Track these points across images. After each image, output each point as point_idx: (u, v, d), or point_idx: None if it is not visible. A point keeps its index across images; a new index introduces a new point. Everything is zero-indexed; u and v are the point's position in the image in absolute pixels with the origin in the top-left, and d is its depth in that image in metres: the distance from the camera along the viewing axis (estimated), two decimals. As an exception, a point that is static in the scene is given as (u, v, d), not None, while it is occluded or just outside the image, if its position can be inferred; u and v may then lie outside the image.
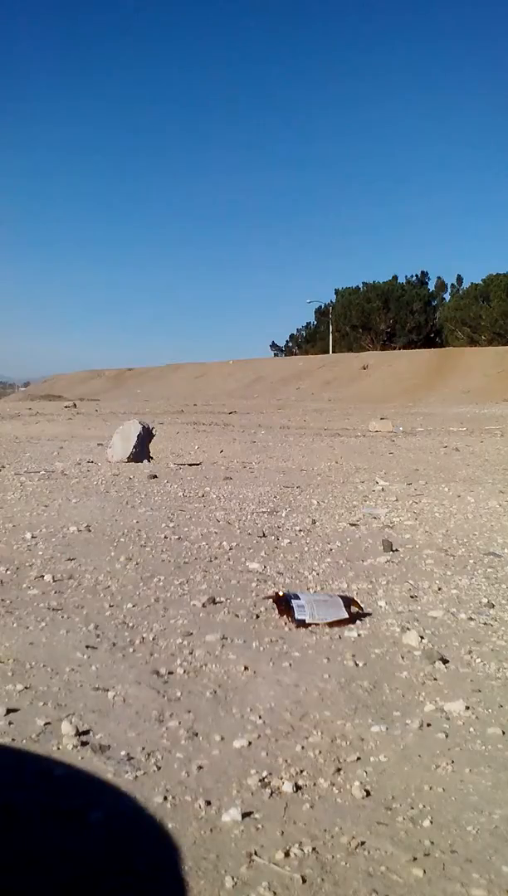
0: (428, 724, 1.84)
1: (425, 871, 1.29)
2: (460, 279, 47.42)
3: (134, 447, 7.29)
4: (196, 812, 1.46)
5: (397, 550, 3.66)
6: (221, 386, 38.95)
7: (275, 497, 5.30)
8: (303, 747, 1.72)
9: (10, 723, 1.80)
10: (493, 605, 2.79)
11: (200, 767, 1.62)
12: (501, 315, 39.45)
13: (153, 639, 2.40)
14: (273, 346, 55.92)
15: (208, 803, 1.48)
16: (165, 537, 3.87)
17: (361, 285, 47.31)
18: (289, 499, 5.23)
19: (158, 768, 1.62)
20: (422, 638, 2.41)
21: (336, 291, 48.42)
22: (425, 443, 10.24)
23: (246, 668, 2.17)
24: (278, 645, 2.37)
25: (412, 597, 2.89)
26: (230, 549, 3.65)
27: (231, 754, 1.68)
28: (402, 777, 1.60)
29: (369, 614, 2.66)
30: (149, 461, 7.36)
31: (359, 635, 2.46)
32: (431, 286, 47.80)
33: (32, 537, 3.77)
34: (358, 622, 2.57)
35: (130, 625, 2.53)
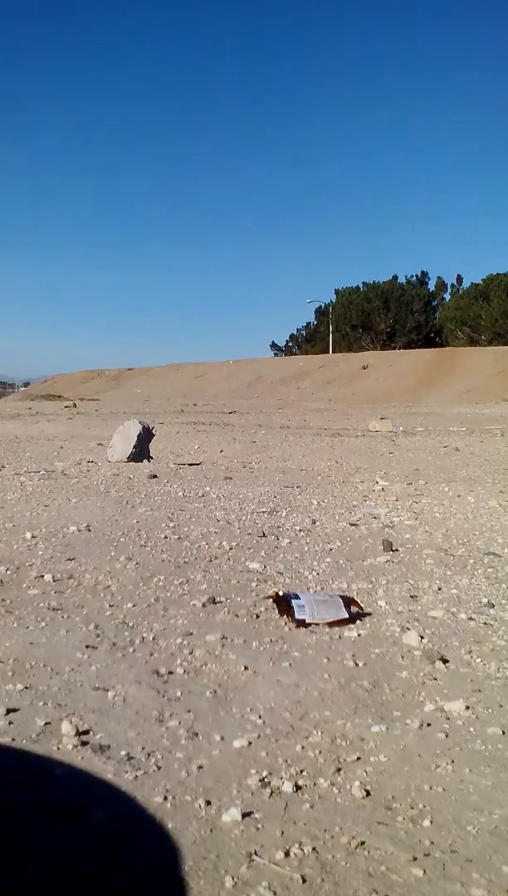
0: (428, 724, 1.84)
1: (425, 871, 1.29)
2: (460, 279, 47.47)
3: (134, 447, 7.30)
4: (196, 812, 1.46)
5: (397, 550, 3.66)
6: (221, 386, 38.94)
7: (275, 497, 5.30)
8: (303, 747, 1.72)
9: (10, 723, 1.80)
10: (493, 605, 2.79)
11: (200, 767, 1.62)
12: (501, 315, 39.46)
13: (153, 639, 2.40)
14: (273, 346, 55.95)
15: (208, 803, 1.48)
16: (165, 537, 3.87)
17: (361, 285, 47.33)
18: (289, 499, 5.24)
19: (158, 768, 1.62)
20: (422, 638, 2.41)
21: (336, 291, 48.45)
22: (425, 443, 10.23)
23: (246, 668, 2.17)
24: (278, 645, 2.37)
25: (412, 597, 2.89)
26: (230, 548, 3.65)
27: (231, 754, 1.68)
28: (402, 777, 1.60)
29: (369, 614, 2.66)
30: (149, 461, 7.36)
31: (359, 635, 2.46)
32: (431, 286, 47.83)
33: (32, 537, 3.77)
34: (358, 622, 2.57)
35: (130, 625, 2.53)
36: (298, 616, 2.52)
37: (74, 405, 21.80)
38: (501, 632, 2.51)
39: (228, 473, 6.61)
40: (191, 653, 2.28)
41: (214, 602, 2.77)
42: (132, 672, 2.13)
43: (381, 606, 2.76)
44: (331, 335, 46.15)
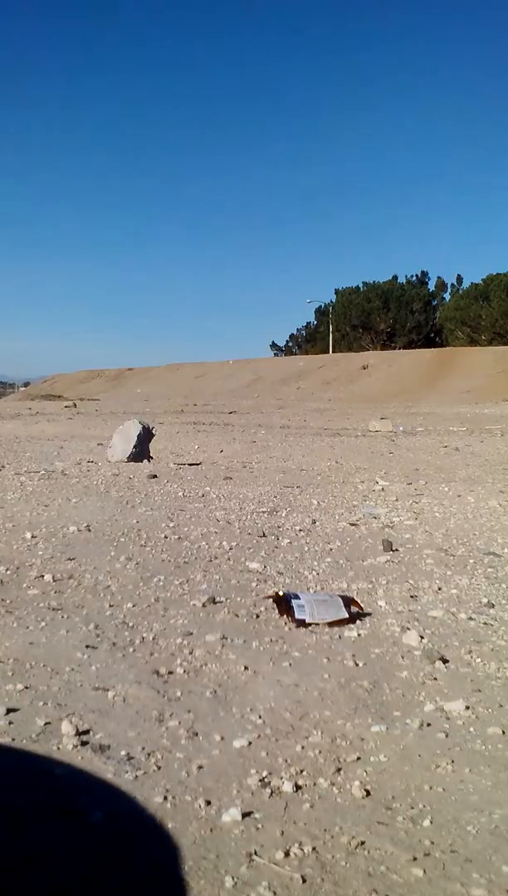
0: (428, 724, 1.84)
1: (425, 871, 1.29)
2: (460, 279, 47.46)
3: (134, 447, 7.29)
4: (196, 812, 1.46)
5: (397, 550, 3.66)
6: (221, 386, 38.94)
7: (275, 497, 5.30)
8: (303, 747, 1.72)
9: (10, 723, 1.80)
10: (493, 605, 2.79)
11: (200, 767, 1.62)
12: (501, 315, 39.46)
13: (153, 639, 2.40)
14: (273, 345, 55.92)
15: (208, 803, 1.48)
16: (165, 537, 3.87)
17: (361, 285, 47.33)
18: (289, 498, 5.23)
19: (158, 768, 1.62)
20: (422, 638, 2.41)
21: (336, 291, 48.45)
22: (425, 442, 10.23)
23: (246, 668, 2.17)
24: (278, 645, 2.37)
25: (412, 597, 2.89)
26: (230, 548, 3.65)
27: (231, 754, 1.68)
28: (402, 777, 1.60)
29: (369, 614, 2.66)
30: (149, 461, 7.36)
31: (359, 635, 2.46)
32: (431, 286, 47.83)
33: (32, 537, 3.77)
34: (358, 622, 2.57)
35: (130, 625, 2.53)
36: (298, 616, 2.52)
37: (74, 405, 21.80)
38: (501, 632, 2.51)
39: (228, 473, 6.61)
40: (191, 653, 2.28)
41: (214, 602, 2.77)
42: (132, 672, 2.13)
43: (381, 606, 2.76)
44: (331, 335, 46.14)
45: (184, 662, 2.21)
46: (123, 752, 1.67)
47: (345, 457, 8.27)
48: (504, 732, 1.80)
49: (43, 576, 3.08)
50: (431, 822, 1.44)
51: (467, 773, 1.62)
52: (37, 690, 1.99)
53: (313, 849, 1.35)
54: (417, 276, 47.87)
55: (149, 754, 1.67)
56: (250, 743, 1.73)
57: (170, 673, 2.13)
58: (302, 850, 1.34)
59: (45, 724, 1.80)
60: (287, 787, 1.54)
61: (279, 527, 4.22)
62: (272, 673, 2.15)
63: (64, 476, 6.17)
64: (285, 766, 1.63)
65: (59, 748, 1.69)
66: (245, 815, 1.44)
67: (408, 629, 2.48)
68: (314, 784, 1.56)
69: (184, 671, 2.15)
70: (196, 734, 1.77)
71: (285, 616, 2.57)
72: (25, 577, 3.07)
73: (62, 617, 2.59)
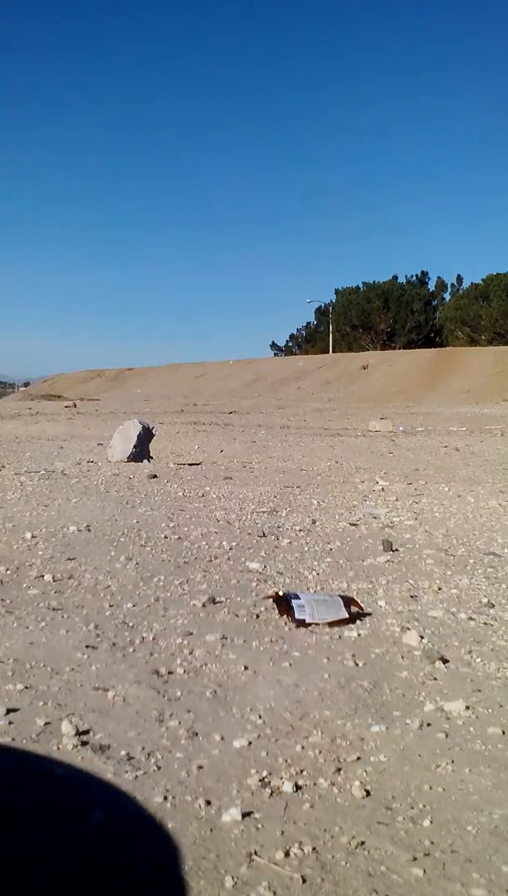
0: (428, 724, 1.84)
1: (425, 871, 1.29)
2: (460, 279, 47.47)
3: (134, 447, 7.29)
4: (196, 812, 1.46)
5: (397, 550, 3.66)
6: (221, 386, 38.93)
7: (275, 497, 5.30)
8: (303, 747, 1.72)
9: (10, 723, 1.80)
10: (493, 605, 2.79)
11: (200, 767, 1.62)
12: (501, 315, 39.47)
13: (153, 639, 2.40)
14: (273, 345, 55.93)
15: (208, 803, 1.48)
16: (165, 537, 3.87)
17: (361, 285, 47.34)
18: (289, 498, 5.23)
19: (158, 768, 1.62)
20: (422, 638, 2.41)
21: (336, 291, 48.47)
22: (425, 442, 10.24)
23: (246, 668, 2.17)
24: (278, 645, 2.37)
25: (412, 597, 2.89)
26: (230, 548, 3.65)
27: (231, 754, 1.68)
28: (402, 777, 1.60)
29: (369, 614, 2.66)
30: (149, 461, 7.36)
31: (359, 635, 2.46)
32: (431, 286, 47.82)
33: (32, 537, 3.77)
34: (358, 622, 2.57)
35: (130, 625, 2.53)
36: (298, 616, 2.52)
37: (74, 405, 21.79)
38: (501, 632, 2.51)
39: (228, 473, 6.61)
40: (191, 653, 2.28)
41: (214, 602, 2.77)
42: (132, 672, 2.13)
43: (381, 606, 2.76)
44: (331, 335, 46.14)
45: (184, 662, 2.21)
46: (123, 752, 1.67)
47: (345, 457, 8.27)
48: (504, 732, 1.80)
49: (43, 576, 3.08)
50: (431, 822, 1.44)
51: (467, 773, 1.62)
52: (37, 690, 1.99)
53: (313, 849, 1.35)
54: (417, 276, 47.90)
55: (149, 754, 1.67)
56: (250, 743, 1.73)
57: (170, 673, 2.13)
58: (302, 850, 1.34)
59: (45, 724, 1.80)
60: (287, 787, 1.54)
61: (279, 527, 4.22)
62: (272, 673, 2.15)
63: (64, 476, 6.17)
64: (285, 766, 1.63)
65: (59, 748, 1.69)
66: (245, 815, 1.44)
67: (408, 629, 2.48)
68: (314, 784, 1.56)
69: (184, 671, 2.15)
70: (196, 734, 1.77)
71: (285, 616, 2.57)
72: (25, 577, 3.07)
73: (62, 617, 2.59)
